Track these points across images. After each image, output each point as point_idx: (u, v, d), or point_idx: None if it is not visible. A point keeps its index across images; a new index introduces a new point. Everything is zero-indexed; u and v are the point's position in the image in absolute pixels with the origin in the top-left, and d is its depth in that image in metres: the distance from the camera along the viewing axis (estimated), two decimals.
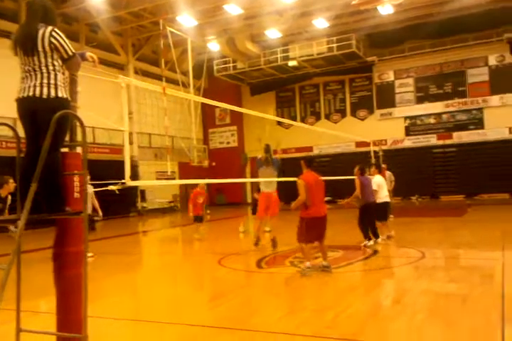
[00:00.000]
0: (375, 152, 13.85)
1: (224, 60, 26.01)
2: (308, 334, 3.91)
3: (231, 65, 26.02)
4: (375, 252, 8.06)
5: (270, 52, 25.03)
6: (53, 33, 2.97)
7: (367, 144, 14.59)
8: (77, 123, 3.14)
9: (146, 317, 4.79)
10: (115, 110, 21.69)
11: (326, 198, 11.57)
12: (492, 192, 21.59)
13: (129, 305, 5.53)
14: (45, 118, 2.87)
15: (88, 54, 3.31)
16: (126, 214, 21.16)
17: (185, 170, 23.47)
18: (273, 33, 23.03)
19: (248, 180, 28.51)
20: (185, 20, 20.83)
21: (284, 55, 24.77)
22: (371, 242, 8.46)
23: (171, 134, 23.69)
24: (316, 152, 26.20)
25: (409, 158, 23.08)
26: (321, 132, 17.07)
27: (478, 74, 23.02)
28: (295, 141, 25.90)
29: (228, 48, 24.56)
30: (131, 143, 22.87)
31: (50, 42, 2.97)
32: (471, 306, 4.61)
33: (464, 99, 23.28)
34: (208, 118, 28.79)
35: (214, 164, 26.57)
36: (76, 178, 3.20)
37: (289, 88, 27.60)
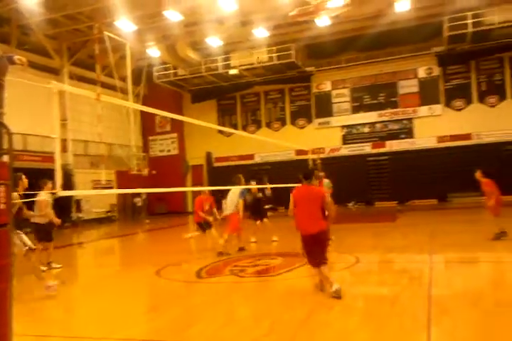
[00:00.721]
0: (313, 160, 14.20)
1: (164, 66, 25.74)
2: None
3: (171, 71, 25.78)
4: None
5: (211, 59, 25.09)
6: None
7: (306, 152, 14.93)
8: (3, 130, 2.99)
9: (77, 333, 4.59)
10: (49, 116, 20.89)
11: (267, 206, 11.68)
12: (422, 198, 22.79)
13: (59, 321, 5.28)
14: None
15: (16, 57, 3.18)
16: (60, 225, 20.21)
17: (124, 178, 22.87)
18: (214, 41, 23.10)
19: (189, 188, 28.24)
20: (124, 25, 20.41)
21: (225, 63, 24.92)
22: None
23: (109, 142, 23.04)
24: (257, 160, 26.47)
25: (345, 165, 23.85)
26: (262, 140, 17.30)
27: (408, 86, 24.34)
28: (236, 148, 26.06)
29: (168, 55, 24.33)
30: (65, 150, 21.94)
31: None
32: (400, 308, 4.83)
33: (395, 110, 24.52)
34: (147, 125, 28.27)
35: (154, 172, 26.10)
36: (2, 188, 3.03)
37: (231, 96, 27.75)
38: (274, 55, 23.87)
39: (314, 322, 4.56)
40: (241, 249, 9.47)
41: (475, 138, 23.08)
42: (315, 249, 5.48)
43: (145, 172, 23.09)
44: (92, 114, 22.13)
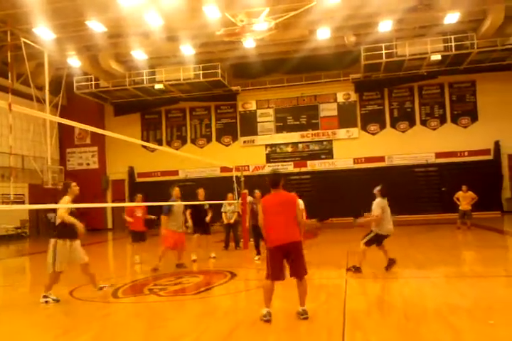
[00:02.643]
0: (237, 177, 14.33)
1: (86, 77, 24.84)
2: None
3: (93, 82, 24.94)
4: (234, 276, 8.25)
5: (136, 73, 24.65)
6: None
7: (231, 169, 15.06)
8: None
9: None
10: None
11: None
12: (339, 216, 23.79)
13: None
14: None
15: None
16: None
17: (38, 192, 21.49)
18: (139, 54, 22.78)
19: (109, 204, 27.17)
20: (43, 33, 19.50)
21: (151, 77, 24.60)
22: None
23: (22, 153, 21.63)
24: (181, 176, 26.18)
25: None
26: (187, 156, 17.18)
27: (328, 109, 25.60)
28: (161, 164, 25.61)
29: (90, 65, 23.56)
30: None
31: None
32: (317, 323, 4.97)
33: (316, 131, 25.60)
34: (66, 137, 26.95)
35: None
36: None
37: (156, 111, 27.39)
38: (200, 72, 24.00)
39: (237, 339, 4.56)
40: (179, 266, 9.19)
41: (387, 161, 24.68)
42: (290, 261, 5.09)
43: (61, 186, 21.87)
44: (2, 124, 20.70)
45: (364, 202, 24.76)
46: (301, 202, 10.75)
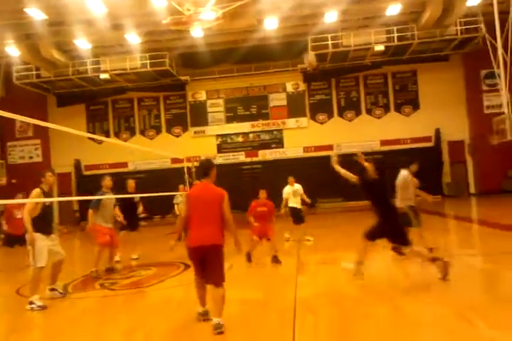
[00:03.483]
0: (188, 168, 14.26)
1: (26, 66, 23.65)
2: None
3: (34, 72, 23.80)
4: (187, 267, 8.27)
5: (80, 62, 23.75)
6: None
7: (181, 160, 14.92)
8: None
9: None
10: None
11: (142, 215, 11.31)
12: None
13: None
14: None
15: None
16: None
17: None
18: (82, 43, 21.94)
19: (55, 199, 26.18)
20: None
21: (95, 66, 23.77)
22: None
23: None
24: (131, 168, 25.65)
25: (221, 174, 24.25)
26: (136, 148, 16.88)
27: (278, 99, 25.80)
28: (108, 156, 24.95)
29: (30, 54, 22.42)
30: None
31: None
32: (270, 311, 5.13)
33: (267, 121, 25.79)
34: (6, 130, 25.64)
35: (14, 181, 23.72)
36: None
37: (101, 101, 26.55)
38: (147, 61, 23.47)
39: (190, 331, 4.62)
40: (109, 270, 8.24)
41: (336, 149, 25.30)
42: (207, 266, 4.54)
43: (2, 181, 20.90)
44: None
45: (315, 189, 25.41)
46: (300, 187, 11.32)
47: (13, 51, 22.03)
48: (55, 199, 26.30)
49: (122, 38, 21.67)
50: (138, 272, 8.09)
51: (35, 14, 18.37)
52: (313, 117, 25.81)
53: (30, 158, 26.28)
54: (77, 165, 26.20)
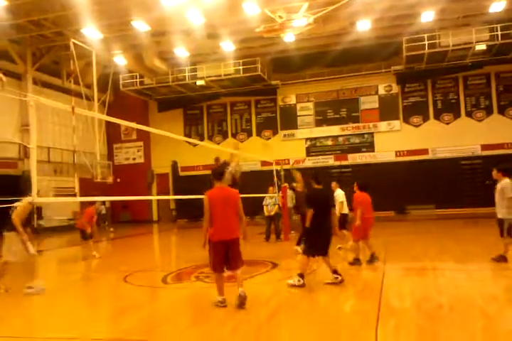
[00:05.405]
0: (277, 171, 14.64)
1: (131, 74, 25.76)
2: None
3: (138, 80, 25.83)
4: (275, 265, 8.58)
5: (178, 69, 25.33)
6: None
7: (271, 163, 15.36)
8: None
9: (49, 334, 4.74)
10: (7, 122, 20.49)
11: None
12: (381, 210, 23.55)
13: (30, 324, 5.38)
14: None
15: None
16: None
17: (88, 186, 22.55)
18: (181, 52, 23.39)
19: (154, 197, 28.17)
20: (91, 33, 20.41)
21: (193, 73, 25.21)
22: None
23: (73, 149, 22.75)
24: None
25: (309, 177, 24.40)
26: (229, 150, 17.62)
27: (369, 102, 25.34)
28: (203, 158, 26.21)
29: (135, 63, 24.40)
30: (26, 157, 21.56)
31: None
32: (354, 310, 5.23)
33: (357, 124, 25.44)
34: (113, 133, 28.09)
35: (119, 180, 25.91)
36: None
37: (197, 106, 28.02)
38: (240, 67, 24.38)
39: (274, 323, 4.90)
40: None
41: (431, 153, 24.23)
42: (230, 254, 5.40)
43: (109, 180, 22.93)
44: (56, 120, 21.88)
45: (406, 195, 24.50)
46: (341, 194, 10.95)
47: (121, 60, 24.12)
48: (155, 197, 28.33)
49: (217, 45, 22.75)
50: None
51: (140, 26, 19.97)
52: (406, 120, 24.96)
53: (134, 159, 28.50)
54: (174, 166, 27.88)
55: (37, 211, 21.19)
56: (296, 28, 18.07)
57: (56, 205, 21.64)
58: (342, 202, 10.51)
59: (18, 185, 18.90)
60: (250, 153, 18.51)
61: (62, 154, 23.66)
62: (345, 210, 10.53)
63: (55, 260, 12.76)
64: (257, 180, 18.23)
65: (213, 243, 5.40)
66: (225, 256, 5.41)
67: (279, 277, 7.77)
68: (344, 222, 10.42)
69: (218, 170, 5.74)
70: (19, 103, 22.00)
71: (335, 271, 6.55)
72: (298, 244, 10.16)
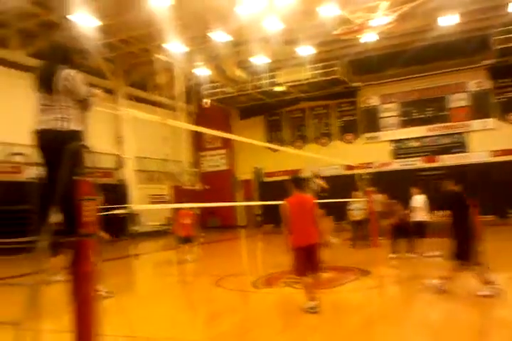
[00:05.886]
0: (360, 175, 14.27)
1: (213, 85, 26.61)
2: None
3: (220, 89, 26.62)
4: (366, 273, 8.30)
5: (258, 77, 25.72)
6: (68, 77, 3.28)
7: (354, 167, 15.02)
8: (86, 152, 3.43)
9: (146, 334, 4.96)
10: (105, 133, 22.03)
11: None
12: (479, 214, 22.04)
13: (127, 323, 5.65)
14: (62, 148, 3.13)
15: (95, 91, 3.61)
16: (117, 237, 21.08)
17: (178, 193, 23.62)
18: (260, 59, 23.74)
19: (240, 203, 28.76)
20: (173, 47, 21.40)
21: (271, 80, 25.48)
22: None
23: (163, 158, 24.00)
24: (306, 175, 26.56)
25: (396, 180, 23.43)
26: (309, 155, 17.55)
27: (458, 100, 23.84)
28: (284, 163, 26.31)
29: (217, 74, 25.20)
30: (121, 166, 23.07)
31: (65, 85, 3.28)
32: (456, 319, 4.88)
33: (445, 124, 24.04)
34: (198, 141, 29.16)
35: (208, 187, 26.71)
36: (87, 203, 3.45)
37: (277, 112, 28.23)
38: (319, 71, 24.20)
39: (369, 332, 4.72)
40: None
41: None
42: (311, 259, 5.53)
43: (198, 187, 23.75)
44: (145, 131, 23.20)
45: (506, 198, 22.64)
46: (420, 199, 10.41)
47: (202, 72, 25.04)
48: (241, 203, 28.90)
49: (295, 50, 22.80)
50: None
51: (220, 37, 20.59)
52: (502, 117, 23.14)
53: (218, 166, 29.34)
54: (257, 172, 28.26)
55: (133, 217, 22.55)
56: (375, 28, 17.58)
57: (149, 211, 22.85)
58: (417, 208, 10.00)
59: (115, 193, 20.28)
60: (332, 157, 18.19)
61: (153, 163, 24.98)
62: (422, 217, 9.96)
63: (151, 263, 13.46)
64: (340, 185, 17.87)
65: (294, 249, 5.58)
66: (307, 261, 5.53)
67: (369, 285, 7.53)
68: (420, 230, 9.81)
69: (298, 178, 6.02)
70: (113, 117, 23.68)
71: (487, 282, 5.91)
72: (393, 251, 9.76)
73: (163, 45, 21.25)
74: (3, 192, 6.42)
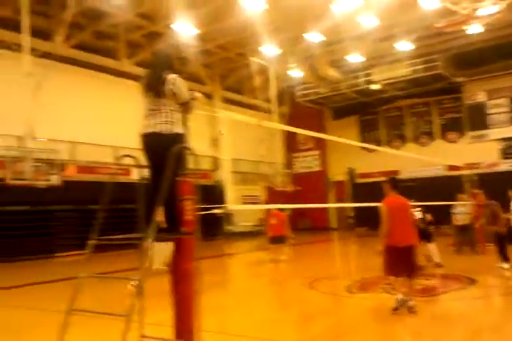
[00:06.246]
0: (467, 176, 13.29)
1: (306, 85, 26.54)
2: None
3: (313, 90, 26.45)
4: (472, 281, 7.71)
5: (352, 76, 25.15)
6: (174, 81, 3.47)
7: (458, 168, 14.05)
8: (188, 154, 3.59)
9: (240, 332, 5.06)
10: (203, 136, 22.96)
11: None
12: None
13: (222, 321, 5.82)
14: (166, 151, 3.30)
15: (196, 94, 3.76)
16: (213, 236, 21.91)
17: (271, 194, 23.96)
18: (355, 58, 23.19)
19: (332, 205, 28.37)
20: (268, 50, 21.71)
21: (366, 78, 24.77)
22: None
23: (256, 159, 24.47)
24: (403, 176, 25.42)
25: (503, 182, 21.41)
26: (408, 155, 16.75)
27: None
28: (380, 164, 25.42)
29: (310, 74, 25.09)
30: (217, 168, 23.92)
31: (171, 89, 3.45)
32: None
33: None
34: (291, 143, 29.29)
35: (299, 188, 26.71)
36: (188, 202, 3.60)
37: (372, 111, 27.38)
38: (418, 67, 23.00)
39: None
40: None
41: None
42: (407, 260, 5.55)
43: (290, 188, 23.86)
44: (241, 133, 23.80)
45: None
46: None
47: (296, 73, 25.08)
48: (333, 205, 28.54)
49: (392, 46, 21.93)
50: (418, 281, 8.00)
51: (314, 37, 20.46)
52: None
53: (310, 167, 29.21)
54: (351, 173, 27.64)
55: (227, 217, 23.29)
56: (482, 19, 16.28)
57: (243, 212, 23.45)
58: None
59: (212, 194, 21.09)
60: (433, 157, 17.15)
61: (247, 164, 25.56)
62: None
63: (244, 263, 13.78)
64: (442, 187, 16.84)
65: (390, 249, 5.62)
66: (401, 262, 5.56)
67: (475, 295, 6.97)
68: None
69: (394, 179, 6.09)
70: (210, 120, 24.66)
71: None
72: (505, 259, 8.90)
73: (258, 49, 21.66)
74: (114, 192, 7.04)
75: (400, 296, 5.59)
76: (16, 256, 14.87)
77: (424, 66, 22.80)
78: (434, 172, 23.99)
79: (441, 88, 24.30)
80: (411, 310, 5.45)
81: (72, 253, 15.74)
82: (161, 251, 7.01)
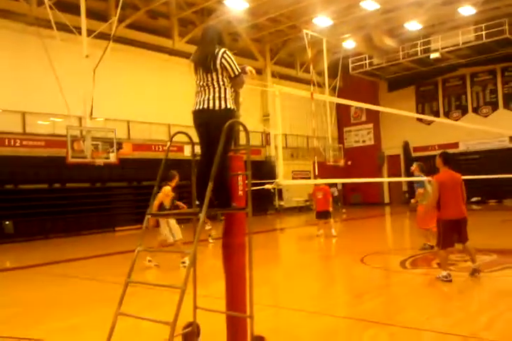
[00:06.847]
0: None
1: (359, 57, 25.65)
2: (464, 334, 3.87)
3: (367, 61, 25.54)
4: None
5: (410, 45, 23.99)
6: (224, 55, 3.45)
7: None
8: (242, 129, 3.59)
9: (291, 305, 5.15)
10: (252, 113, 22.93)
11: (474, 199, 10.79)
12: None
13: (273, 295, 5.95)
14: (218, 126, 3.32)
15: (248, 68, 3.73)
16: (264, 211, 22.18)
17: (321, 169, 23.74)
18: (412, 26, 22.05)
19: (385, 179, 27.76)
20: (321, 21, 21.08)
21: (425, 47, 23.55)
22: None
23: (307, 134, 24.22)
24: (462, 149, 24.37)
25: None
26: (469, 126, 15.96)
27: None
28: (438, 137, 24.43)
29: (364, 45, 24.17)
30: (268, 143, 23.93)
31: (221, 63, 3.44)
32: None
33: None
34: (342, 116, 28.68)
35: (350, 163, 26.36)
36: (239, 178, 3.64)
37: (431, 81, 26.15)
38: (483, 32, 21.52)
39: None
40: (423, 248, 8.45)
41: None
42: (461, 231, 5.86)
43: (341, 163, 23.53)
44: (291, 108, 23.59)
45: None
46: None
47: (350, 44, 24.26)
48: (386, 179, 27.86)
49: (454, 12, 20.60)
50: (477, 257, 7.75)
51: (369, 5, 19.59)
52: None
53: (363, 141, 28.55)
54: (406, 147, 26.79)
55: (278, 193, 23.42)
56: None
57: (293, 187, 23.49)
58: None
59: (263, 170, 21.22)
60: (497, 127, 16.17)
61: (297, 139, 25.36)
62: None
63: (294, 237, 13.89)
64: (506, 159, 15.96)
65: (445, 222, 5.83)
66: (456, 234, 5.87)
67: None
68: None
69: (447, 154, 6.17)
70: (260, 96, 24.52)
71: None
72: None
73: (310, 20, 21.07)
74: (169, 169, 7.27)
75: (443, 273, 5.85)
76: (79, 230, 15.86)
77: (488, 31, 21.31)
78: (497, 144, 22.75)
79: (508, 54, 22.68)
80: (475, 275, 5.91)
81: (130, 227, 16.55)
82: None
